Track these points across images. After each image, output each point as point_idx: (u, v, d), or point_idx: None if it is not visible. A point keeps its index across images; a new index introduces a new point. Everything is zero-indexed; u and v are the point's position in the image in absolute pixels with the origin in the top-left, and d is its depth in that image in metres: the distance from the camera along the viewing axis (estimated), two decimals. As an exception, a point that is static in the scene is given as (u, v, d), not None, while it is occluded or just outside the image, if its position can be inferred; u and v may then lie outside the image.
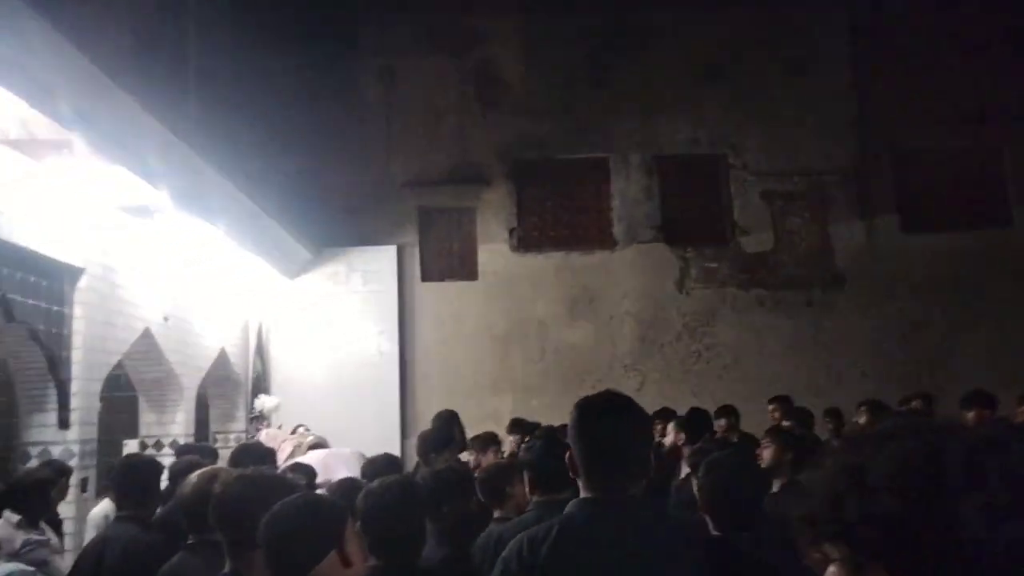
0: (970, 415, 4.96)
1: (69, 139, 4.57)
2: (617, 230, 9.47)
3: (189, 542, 2.46)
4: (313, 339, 8.91)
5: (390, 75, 9.59)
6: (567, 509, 1.93)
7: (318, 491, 3.51)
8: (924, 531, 0.82)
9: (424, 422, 6.30)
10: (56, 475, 4.44)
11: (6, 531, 3.78)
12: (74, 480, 5.03)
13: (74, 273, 5.36)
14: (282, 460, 5.47)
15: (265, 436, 6.82)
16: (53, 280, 5.18)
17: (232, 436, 8.08)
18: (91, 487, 5.42)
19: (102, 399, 5.77)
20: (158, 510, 3.60)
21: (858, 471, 0.86)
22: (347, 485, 3.34)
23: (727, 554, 2.46)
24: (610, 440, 1.91)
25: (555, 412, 4.96)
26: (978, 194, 9.50)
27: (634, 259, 9.36)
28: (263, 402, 8.24)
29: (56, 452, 5.16)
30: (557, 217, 9.64)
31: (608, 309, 9.26)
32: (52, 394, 5.23)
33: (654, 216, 9.46)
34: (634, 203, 9.49)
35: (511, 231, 9.46)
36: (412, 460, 5.87)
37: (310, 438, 6.76)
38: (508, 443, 5.64)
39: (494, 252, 9.40)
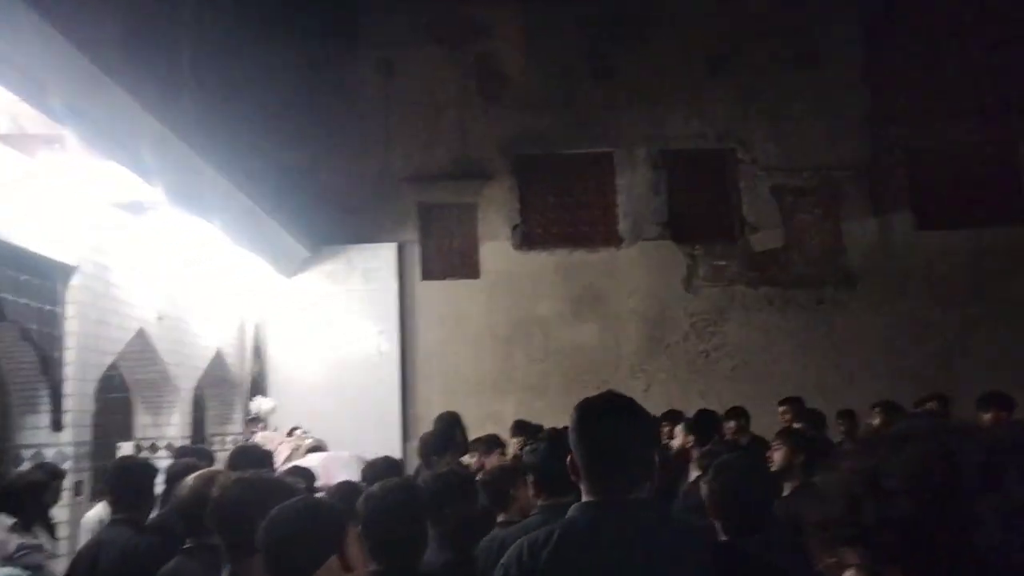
0: (987, 417, 4.96)
1: (61, 134, 4.58)
2: (622, 227, 9.47)
3: (186, 546, 2.47)
4: (311, 339, 8.92)
5: (388, 68, 9.60)
6: (569, 513, 1.94)
7: (317, 495, 3.51)
8: (941, 534, 0.82)
9: (425, 424, 6.30)
10: (49, 478, 4.46)
11: (0, 535, 3.80)
12: (68, 483, 5.05)
13: (67, 271, 5.37)
14: (279, 463, 5.48)
15: (260, 439, 6.83)
16: (45, 278, 5.19)
17: (229, 438, 8.09)
18: (85, 490, 5.44)
19: (96, 400, 5.78)
20: (154, 513, 3.62)
21: (874, 474, 0.86)
22: (346, 489, 3.34)
23: (735, 559, 2.46)
24: (611, 442, 1.92)
25: (559, 414, 4.95)
26: (994, 190, 9.47)
27: (640, 257, 9.36)
28: (259, 404, 8.26)
29: (49, 455, 5.18)
30: (560, 213, 9.64)
31: (613, 308, 9.27)
32: (45, 395, 5.24)
33: (660, 212, 9.46)
34: (640, 199, 9.48)
35: (513, 228, 9.46)
36: (413, 463, 5.87)
37: (308, 441, 6.77)
38: (512, 445, 5.65)
39: (496, 249, 9.40)
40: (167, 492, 3.86)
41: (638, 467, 1.93)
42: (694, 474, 4.43)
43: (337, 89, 9.49)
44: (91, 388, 5.64)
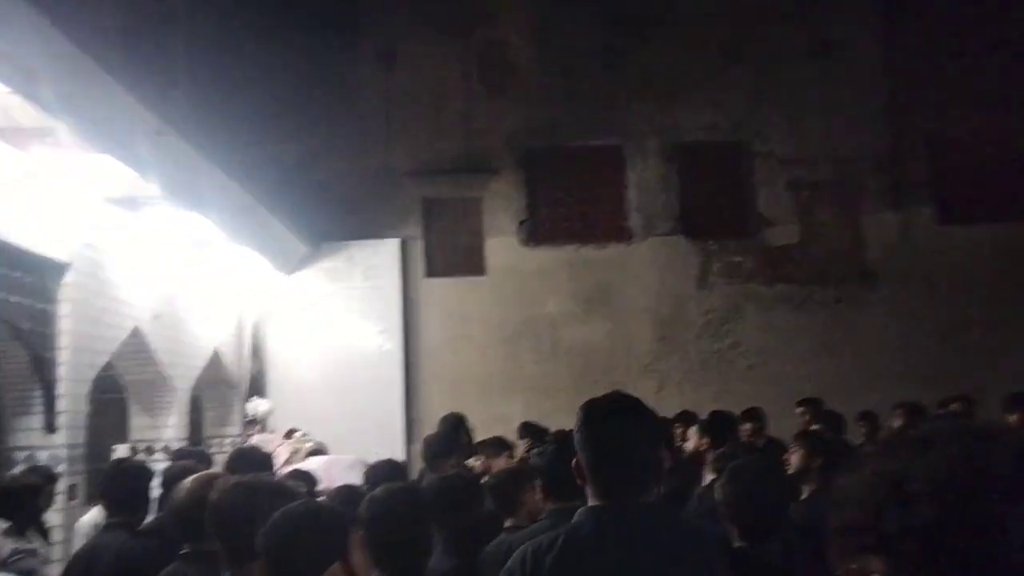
0: (1013, 419, 4.94)
1: (54, 127, 4.60)
2: (633, 222, 9.46)
3: (184, 551, 2.48)
4: (311, 338, 8.94)
5: (390, 59, 9.60)
6: (575, 518, 1.94)
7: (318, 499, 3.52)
8: (968, 542, 0.81)
9: (429, 426, 6.32)
10: (44, 481, 4.49)
11: (-6, 538, 3.83)
12: (62, 487, 5.08)
13: (60, 268, 5.40)
14: (278, 466, 5.49)
15: (257, 441, 6.85)
16: (37, 276, 5.22)
17: (227, 440, 8.12)
18: (80, 494, 5.46)
19: (90, 402, 5.80)
20: (150, 518, 3.63)
21: (897, 478, 0.85)
22: (346, 492, 3.35)
23: (750, 565, 2.46)
24: (617, 444, 1.92)
25: (568, 415, 4.94)
26: (1019, 183, 9.41)
27: (651, 253, 9.35)
28: (255, 406, 8.28)
29: (43, 457, 5.20)
30: (569, 208, 9.63)
31: (624, 306, 9.26)
32: (38, 397, 5.27)
33: (672, 207, 9.44)
34: (651, 193, 9.47)
35: (520, 223, 9.46)
36: (417, 466, 5.89)
37: (309, 444, 6.80)
38: (518, 448, 5.66)
39: (502, 246, 9.40)
40: (164, 496, 3.87)
41: (645, 470, 1.93)
42: (709, 477, 4.42)
43: (338, 81, 9.50)
44: (85, 389, 5.67)
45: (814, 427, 5.58)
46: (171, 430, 6.88)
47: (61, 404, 5.35)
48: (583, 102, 9.47)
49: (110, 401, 7.02)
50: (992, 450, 0.86)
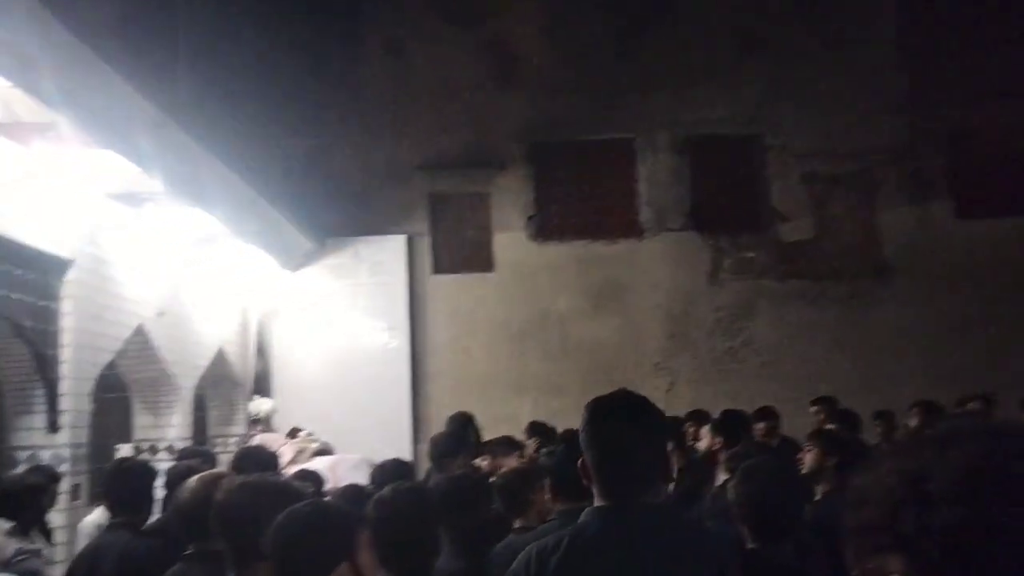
0: (1033, 417, 4.91)
1: (54, 121, 4.62)
2: (644, 217, 9.44)
3: (188, 552, 2.49)
4: (317, 336, 8.97)
5: (397, 50, 9.60)
6: (580, 518, 1.95)
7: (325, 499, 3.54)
8: (989, 542, 0.81)
9: (437, 425, 6.33)
10: (47, 481, 4.52)
11: (-2, 538, 3.86)
12: (65, 487, 5.11)
13: (62, 265, 5.42)
14: (282, 466, 5.51)
15: (260, 441, 6.86)
16: (40, 273, 5.24)
17: (232, 440, 8.16)
18: (83, 494, 5.50)
19: (93, 400, 5.84)
20: (153, 518, 3.65)
21: (917, 477, 0.85)
22: (351, 492, 3.36)
23: (763, 567, 2.46)
24: (621, 443, 1.93)
25: (577, 414, 4.94)
26: (1041, 176, 9.37)
27: (663, 248, 9.33)
28: (257, 405, 8.31)
29: (45, 457, 5.24)
30: (578, 203, 9.62)
31: (635, 303, 9.25)
32: (40, 395, 5.30)
33: (684, 201, 9.42)
34: (663, 187, 9.45)
35: (529, 218, 9.46)
36: (424, 466, 5.90)
37: (315, 444, 6.81)
38: (528, 447, 5.67)
39: (511, 241, 9.40)
40: (168, 496, 3.89)
41: (650, 469, 1.94)
42: (722, 477, 4.42)
43: (343, 73, 9.50)
44: (88, 387, 5.70)
45: (829, 426, 5.57)
46: (175, 429, 6.91)
47: (64, 403, 5.38)
48: (593, 95, 9.45)
49: (113, 400, 7.06)
50: (1013, 449, 0.86)
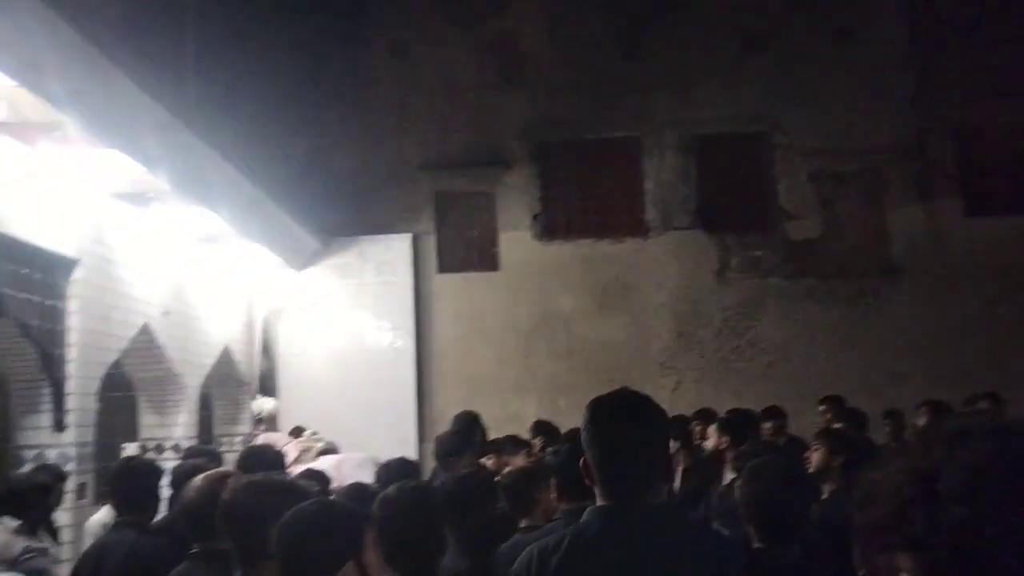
0: (1041, 416, 4.89)
1: (61, 121, 4.64)
2: (650, 216, 9.43)
3: (194, 550, 2.50)
4: (323, 335, 8.98)
5: (402, 49, 9.62)
6: (582, 518, 1.96)
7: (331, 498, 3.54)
8: (1000, 542, 0.81)
9: (442, 424, 6.34)
10: (54, 480, 4.54)
11: (5, 537, 3.88)
12: (71, 485, 5.12)
13: (68, 265, 5.45)
14: (287, 465, 5.51)
15: (263, 440, 6.88)
16: (46, 272, 5.27)
17: (238, 439, 8.18)
18: (89, 493, 5.52)
19: (99, 399, 5.86)
20: (159, 516, 3.67)
21: (927, 476, 0.85)
22: (356, 490, 3.36)
23: (767, 567, 2.46)
24: (623, 442, 1.92)
25: (582, 414, 4.97)
26: (1051, 173, 9.33)
27: (669, 247, 9.32)
28: (260, 404, 8.33)
29: (51, 456, 5.26)
30: (584, 202, 9.62)
31: (641, 302, 9.24)
32: (46, 394, 5.32)
33: (691, 200, 9.41)
34: (669, 186, 9.43)
35: (535, 217, 9.46)
36: (430, 465, 5.90)
37: (320, 444, 6.81)
38: (535, 446, 5.67)
39: (516, 240, 9.41)
40: (174, 495, 3.91)
41: (651, 468, 1.94)
42: (729, 476, 4.42)
43: (348, 72, 9.52)
44: (94, 386, 5.73)
45: (836, 425, 5.56)
46: (181, 428, 6.93)
47: (70, 402, 5.40)
48: (599, 93, 9.44)
49: (119, 399, 7.08)
50: (1022, 449, 0.85)
